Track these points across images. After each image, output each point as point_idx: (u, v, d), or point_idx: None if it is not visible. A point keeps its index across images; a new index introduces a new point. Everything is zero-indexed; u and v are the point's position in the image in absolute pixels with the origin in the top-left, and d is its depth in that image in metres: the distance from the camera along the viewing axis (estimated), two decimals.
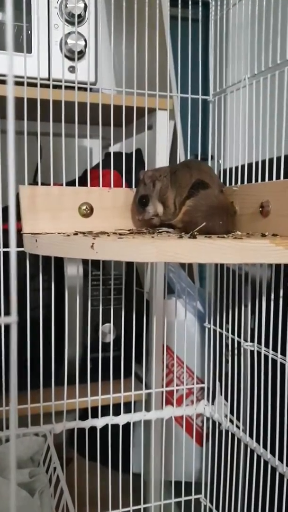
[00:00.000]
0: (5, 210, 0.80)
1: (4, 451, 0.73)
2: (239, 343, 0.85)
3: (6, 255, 0.77)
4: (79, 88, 0.82)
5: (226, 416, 0.89)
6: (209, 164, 0.89)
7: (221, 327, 0.91)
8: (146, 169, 0.89)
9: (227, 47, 0.88)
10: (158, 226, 0.82)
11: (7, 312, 0.75)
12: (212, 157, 0.92)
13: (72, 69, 0.86)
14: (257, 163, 0.78)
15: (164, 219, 0.81)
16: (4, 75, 0.75)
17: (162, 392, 0.98)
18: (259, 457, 0.79)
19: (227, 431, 0.89)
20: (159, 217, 0.81)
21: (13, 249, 0.31)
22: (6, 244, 0.77)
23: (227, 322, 0.89)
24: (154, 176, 0.80)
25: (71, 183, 0.86)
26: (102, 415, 0.86)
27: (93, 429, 0.85)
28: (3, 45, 0.74)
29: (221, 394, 0.91)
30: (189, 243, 0.59)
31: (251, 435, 0.81)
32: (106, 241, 0.61)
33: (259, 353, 0.79)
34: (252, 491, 0.80)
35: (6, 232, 0.76)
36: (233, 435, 0.87)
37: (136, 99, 0.85)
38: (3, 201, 0.76)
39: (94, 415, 0.86)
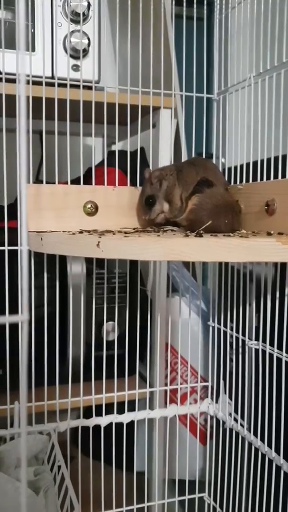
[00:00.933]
0: (9, 208, 0.80)
1: (8, 449, 0.73)
2: (243, 341, 0.85)
3: (7, 253, 0.77)
4: (83, 87, 0.82)
5: (230, 414, 0.89)
6: (213, 162, 0.89)
7: (225, 326, 0.91)
8: (150, 167, 0.89)
9: (231, 46, 0.88)
10: (163, 224, 0.82)
11: (10, 310, 0.75)
12: (217, 156, 0.92)
13: (76, 68, 0.85)
14: (262, 161, 0.78)
15: (171, 216, 0.80)
16: (11, 74, 0.75)
17: (166, 390, 0.98)
18: (263, 455, 0.79)
19: (231, 430, 0.89)
20: (164, 214, 0.81)
21: (24, 248, 0.31)
22: (9, 242, 0.77)
23: (231, 321, 0.89)
24: (161, 175, 0.79)
25: (75, 182, 0.86)
26: (106, 413, 0.87)
27: (97, 427, 0.85)
28: (9, 44, 0.74)
29: (225, 393, 0.91)
30: (195, 242, 0.59)
31: (255, 434, 0.81)
32: (112, 239, 0.61)
33: (263, 352, 0.79)
34: (256, 490, 0.80)
35: (9, 230, 0.76)
36: (237, 434, 0.87)
37: (140, 97, 0.85)
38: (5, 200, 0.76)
39: (98, 413, 0.86)
